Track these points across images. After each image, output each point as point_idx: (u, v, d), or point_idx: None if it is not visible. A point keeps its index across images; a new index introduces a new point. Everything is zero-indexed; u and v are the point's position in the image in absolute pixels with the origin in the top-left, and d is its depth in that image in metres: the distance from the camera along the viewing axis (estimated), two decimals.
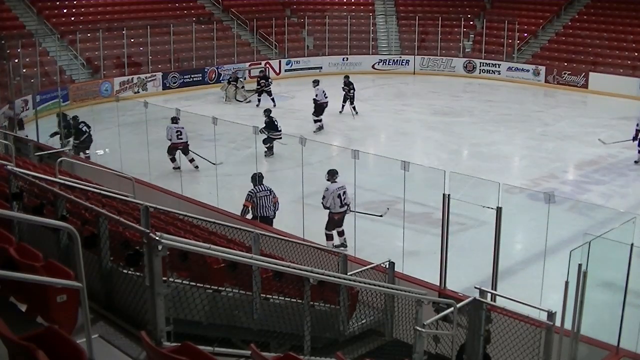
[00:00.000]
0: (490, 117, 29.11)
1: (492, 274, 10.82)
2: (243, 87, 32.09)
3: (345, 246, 15.17)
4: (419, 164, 17.94)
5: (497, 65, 39.28)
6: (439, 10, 41.67)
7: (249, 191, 15.31)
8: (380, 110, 28.95)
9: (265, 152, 21.40)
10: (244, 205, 15.11)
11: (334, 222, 15.56)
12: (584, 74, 36.52)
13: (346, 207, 15.60)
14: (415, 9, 42.25)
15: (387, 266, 10.31)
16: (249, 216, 15.10)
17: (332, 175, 15.60)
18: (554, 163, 22.01)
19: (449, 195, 10.71)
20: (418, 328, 7.49)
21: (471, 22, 41.62)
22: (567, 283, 8.41)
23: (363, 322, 9.63)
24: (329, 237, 15.52)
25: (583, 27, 40.00)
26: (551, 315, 7.69)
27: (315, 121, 25.52)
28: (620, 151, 24.15)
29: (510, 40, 39.73)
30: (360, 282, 8.99)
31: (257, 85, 31.23)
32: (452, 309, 8.00)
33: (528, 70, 38.28)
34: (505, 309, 8.46)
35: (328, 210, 15.53)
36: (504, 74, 38.80)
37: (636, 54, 37.01)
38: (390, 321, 9.95)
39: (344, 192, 15.54)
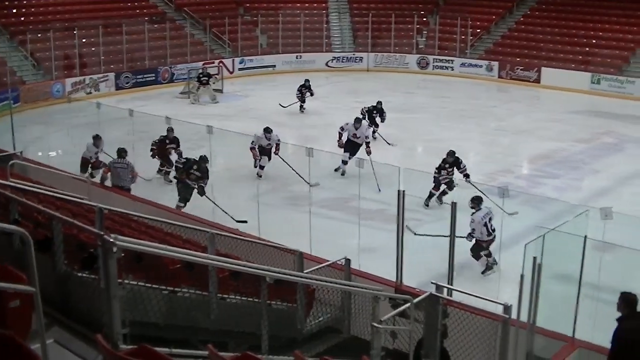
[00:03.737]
0: (445, 113, 29.28)
1: (448, 268, 10.89)
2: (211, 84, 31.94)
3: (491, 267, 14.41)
4: (374, 161, 18.04)
5: (450, 62, 39.56)
6: (392, 7, 41.70)
7: (109, 161, 17.27)
8: (335, 108, 28.94)
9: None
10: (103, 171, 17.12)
11: (481, 249, 14.41)
12: (536, 69, 36.92)
13: (494, 234, 14.19)
14: (368, 6, 42.34)
15: (344, 263, 10.33)
16: (108, 183, 16.67)
17: (477, 203, 14.32)
18: (509, 158, 22.22)
19: (403, 191, 10.75)
20: (375, 324, 7.49)
21: (424, 19, 41.82)
22: (522, 276, 8.48)
23: (320, 319, 9.62)
24: (479, 257, 14.53)
25: (535, 23, 40.38)
26: (507, 308, 7.74)
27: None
28: (572, 144, 24.47)
29: (463, 37, 40.01)
30: (316, 280, 9.00)
31: (198, 81, 31.33)
32: (408, 304, 8.01)
33: (481, 66, 38.59)
34: (461, 303, 8.51)
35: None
36: (458, 70, 39.08)
37: (587, 49, 37.46)
38: (347, 318, 9.97)
39: (490, 219, 14.22)
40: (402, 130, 25.28)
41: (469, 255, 14.11)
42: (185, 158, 17.48)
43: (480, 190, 15.52)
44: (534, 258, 8.28)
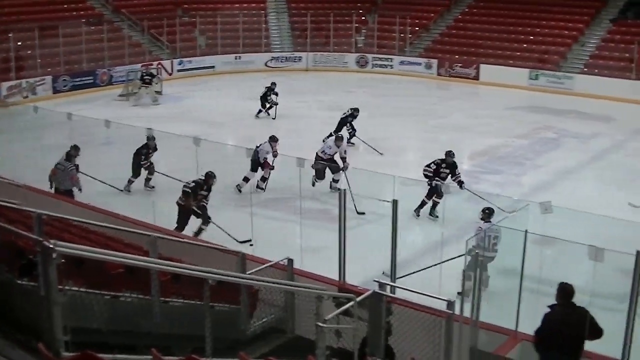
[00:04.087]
0: (385, 111, 29.37)
1: (390, 266, 10.93)
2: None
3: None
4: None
5: (389, 60, 39.78)
6: (330, 6, 41.81)
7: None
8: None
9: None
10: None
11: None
12: (475, 66, 37.31)
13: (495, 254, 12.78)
14: (306, 6, 42.31)
15: (286, 264, 10.33)
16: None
17: (488, 215, 13.31)
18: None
19: (345, 190, 10.77)
20: (319, 324, 7.49)
21: (363, 18, 41.98)
22: (464, 272, 8.55)
23: (264, 320, 9.60)
24: None
25: (473, 20, 40.82)
26: (450, 304, 7.80)
27: None
28: (512, 140, 24.78)
29: (402, 35, 40.25)
30: (259, 281, 8.98)
31: (141, 81, 31.02)
32: (352, 303, 8.04)
33: (420, 64, 38.90)
34: (405, 300, 8.55)
35: None
36: (397, 68, 39.32)
37: (525, 45, 37.99)
38: (291, 318, 9.97)
39: (495, 237, 12.77)
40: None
41: (412, 252, 14.16)
42: (194, 181, 15.88)
43: (483, 198, 15.72)
44: (476, 253, 8.35)
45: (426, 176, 16.93)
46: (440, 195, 16.70)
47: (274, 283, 9.45)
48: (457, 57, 38.53)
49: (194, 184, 15.75)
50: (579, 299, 10.41)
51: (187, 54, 38.95)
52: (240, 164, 17.84)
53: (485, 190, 18.26)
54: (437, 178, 16.84)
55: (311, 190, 18.12)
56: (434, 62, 38.63)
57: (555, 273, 10.97)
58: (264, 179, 18.97)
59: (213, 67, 38.95)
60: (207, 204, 15.91)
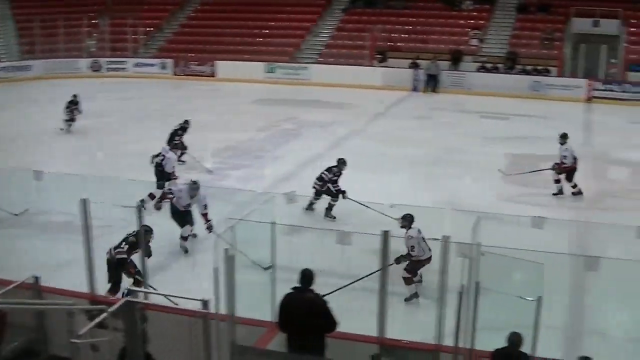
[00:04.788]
0: (126, 115, 28.80)
1: (143, 271, 10.72)
2: None
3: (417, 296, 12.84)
4: (52, 172, 17.33)
5: (124, 62, 39.18)
6: (59, 11, 40.46)
7: None
8: None
9: None
10: None
11: (417, 269, 12.72)
12: (211, 63, 37.50)
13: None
14: (33, 11, 40.65)
15: (32, 282, 9.86)
16: None
17: (410, 221, 12.73)
18: (194, 154, 22.24)
19: (87, 199, 10.42)
20: (73, 340, 7.24)
21: (94, 21, 41.00)
22: (216, 269, 8.51)
23: (15, 344, 9.15)
24: (410, 281, 12.79)
25: (206, 17, 41.11)
26: (205, 303, 7.76)
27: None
28: (254, 134, 25.09)
29: (135, 36, 39.72)
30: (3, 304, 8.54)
31: None
32: (105, 314, 7.82)
33: (155, 65, 38.60)
34: (159, 305, 8.42)
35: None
36: (132, 70, 38.90)
37: (260, 39, 38.70)
38: (44, 339, 9.56)
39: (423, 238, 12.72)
40: (82, 138, 24.61)
41: (162, 258, 13.91)
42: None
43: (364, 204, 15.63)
44: (225, 250, 8.33)
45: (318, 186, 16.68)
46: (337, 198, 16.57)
47: (19, 304, 9.01)
48: (192, 55, 38.57)
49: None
50: (331, 282, 10.71)
51: None
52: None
53: (232, 186, 18.39)
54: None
55: (50, 202, 17.41)
56: (169, 62, 38.45)
57: (305, 260, 11.20)
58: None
59: None
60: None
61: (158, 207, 16.57)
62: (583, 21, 37.33)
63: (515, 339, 8.33)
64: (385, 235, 8.96)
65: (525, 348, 8.27)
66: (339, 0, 41.56)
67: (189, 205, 14.71)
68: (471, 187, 19.16)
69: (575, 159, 18.29)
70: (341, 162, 16.71)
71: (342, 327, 8.66)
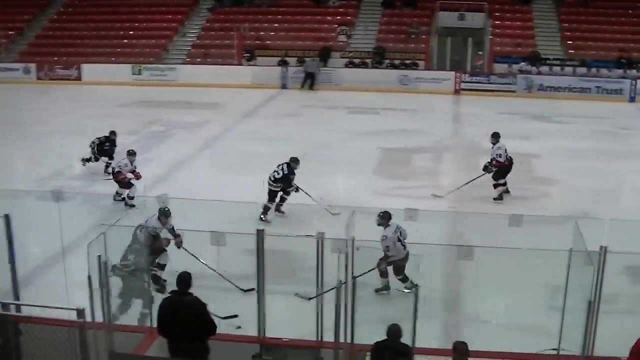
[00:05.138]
0: None
1: (11, 284, 10.37)
2: None
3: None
4: None
5: None
6: None
7: None
8: None
9: None
10: None
11: (402, 270, 12.47)
12: (76, 66, 36.66)
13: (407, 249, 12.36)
14: None
15: None
16: None
17: (387, 218, 12.45)
18: (59, 160, 21.68)
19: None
20: None
21: None
22: (89, 277, 8.36)
23: None
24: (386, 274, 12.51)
25: (70, 20, 40.38)
26: (80, 312, 7.59)
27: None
28: (125, 138, 24.57)
29: None
30: None
31: None
32: None
33: (18, 69, 37.38)
34: (33, 317, 8.18)
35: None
36: None
37: (126, 40, 38.16)
38: None
39: (401, 233, 12.42)
40: None
41: (34, 266, 13.53)
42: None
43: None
44: (99, 256, 8.19)
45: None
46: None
47: None
48: (56, 59, 37.60)
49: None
50: (208, 284, 10.67)
51: None
52: None
53: (101, 192, 17.98)
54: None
55: None
56: (32, 66, 37.34)
57: (184, 263, 11.12)
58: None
59: None
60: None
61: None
62: (449, 15, 38.35)
63: (394, 331, 8.46)
64: (260, 234, 8.98)
65: (405, 339, 8.42)
66: None
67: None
68: (343, 183, 19.40)
69: (509, 157, 18.09)
70: (293, 161, 16.74)
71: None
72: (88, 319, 7.87)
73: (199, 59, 37.28)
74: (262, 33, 38.84)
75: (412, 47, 37.88)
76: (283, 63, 36.33)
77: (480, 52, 38.40)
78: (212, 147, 23.52)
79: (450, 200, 17.87)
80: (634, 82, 34.25)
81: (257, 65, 36.80)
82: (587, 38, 37.70)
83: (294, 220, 16.28)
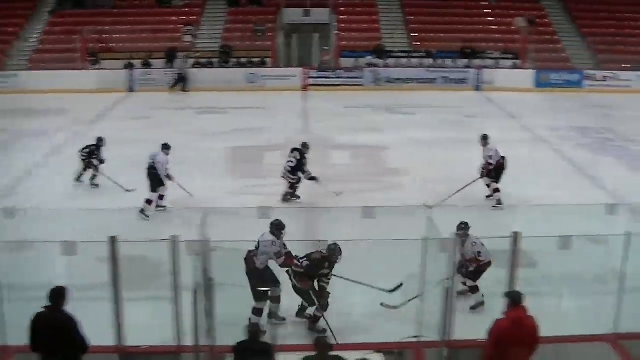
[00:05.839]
0: None
1: None
2: None
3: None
4: None
5: None
6: None
7: None
8: None
9: None
10: None
11: (480, 275, 12.13)
12: None
13: None
14: None
15: None
16: None
17: (466, 228, 12.01)
18: None
19: None
20: None
21: None
22: None
23: None
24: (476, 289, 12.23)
25: None
26: None
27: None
28: None
29: None
30: None
31: None
32: None
33: None
34: None
35: None
36: None
37: None
38: None
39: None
40: None
41: None
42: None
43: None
44: None
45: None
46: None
47: None
48: None
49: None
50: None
51: None
52: None
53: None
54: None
55: None
56: None
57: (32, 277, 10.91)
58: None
59: None
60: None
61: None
62: (294, 11, 38.88)
63: (253, 330, 8.65)
64: (113, 240, 8.96)
65: (266, 337, 8.62)
66: (46, 2, 40.35)
67: None
68: (195, 184, 19.35)
69: (502, 157, 17.83)
70: (304, 146, 17.98)
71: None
72: None
73: (42, 64, 36.33)
74: (105, 36, 38.26)
75: (259, 44, 38.15)
76: (129, 66, 35.86)
77: (327, 48, 39.00)
78: (61, 154, 23.00)
79: (304, 194, 18.13)
80: (478, 71, 35.60)
81: (102, 69, 36.23)
82: (432, 30, 39.00)
83: (153, 223, 16.26)
